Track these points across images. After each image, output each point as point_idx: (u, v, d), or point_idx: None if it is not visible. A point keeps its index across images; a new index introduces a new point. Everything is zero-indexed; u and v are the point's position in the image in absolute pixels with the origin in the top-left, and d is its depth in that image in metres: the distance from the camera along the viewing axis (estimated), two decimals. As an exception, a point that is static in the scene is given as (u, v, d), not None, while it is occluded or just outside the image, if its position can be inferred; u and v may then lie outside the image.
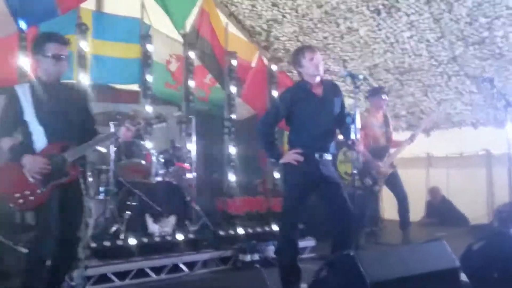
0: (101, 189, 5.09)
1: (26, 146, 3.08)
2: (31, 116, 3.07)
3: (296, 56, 3.72)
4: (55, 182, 3.06)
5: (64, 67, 3.18)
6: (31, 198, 3.01)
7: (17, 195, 3.00)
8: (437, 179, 7.56)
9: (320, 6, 6.16)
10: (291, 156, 3.59)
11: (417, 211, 7.48)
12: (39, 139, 3.08)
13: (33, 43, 3.21)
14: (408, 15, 5.70)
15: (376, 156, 5.39)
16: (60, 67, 3.15)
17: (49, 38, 3.15)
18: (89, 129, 3.29)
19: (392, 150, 5.53)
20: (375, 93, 5.63)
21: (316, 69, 3.61)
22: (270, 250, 4.73)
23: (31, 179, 3.01)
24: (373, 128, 5.48)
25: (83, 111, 3.30)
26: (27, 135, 3.10)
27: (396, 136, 5.97)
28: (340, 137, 3.91)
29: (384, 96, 5.53)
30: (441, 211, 7.30)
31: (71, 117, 3.16)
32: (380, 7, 5.76)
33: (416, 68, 6.39)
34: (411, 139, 5.44)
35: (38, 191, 3.02)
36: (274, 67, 7.21)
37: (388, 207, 7.37)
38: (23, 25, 4.95)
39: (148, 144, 5.49)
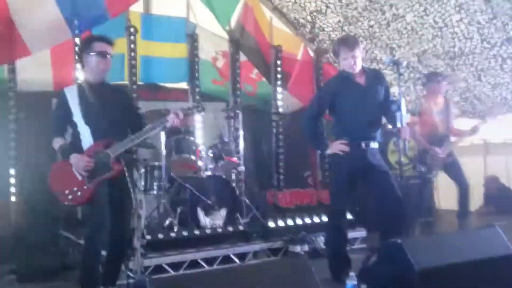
0: (154, 184, 5.29)
1: (75, 145, 3.30)
2: (79, 116, 3.27)
3: (334, 51, 3.74)
4: (100, 178, 3.25)
5: (108, 65, 3.37)
6: (79, 193, 3.23)
7: (67, 191, 3.23)
8: (496, 166, 7.27)
9: (364, -6, 6.07)
10: (337, 146, 3.60)
11: (475, 201, 7.21)
12: (86, 138, 3.28)
13: (81, 44, 3.47)
14: (456, -2, 5.51)
15: (434, 144, 5.20)
16: (105, 65, 3.35)
17: (96, 38, 3.40)
18: (137, 125, 3.44)
19: (452, 139, 5.32)
20: (429, 78, 5.44)
21: (351, 68, 3.59)
22: (320, 241, 4.75)
23: (78, 176, 3.22)
24: (431, 115, 5.27)
25: (128, 109, 3.49)
26: (76, 134, 3.32)
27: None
28: (389, 126, 3.87)
29: (440, 80, 5.32)
30: (500, 199, 7.02)
31: (116, 116, 3.34)
32: (427, -9, 5.61)
33: (468, 52, 6.15)
34: (474, 131, 5.23)
35: (85, 187, 3.23)
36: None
37: (444, 197, 7.17)
38: (76, 30, 5.21)
39: (197, 139, 5.64)
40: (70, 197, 3.22)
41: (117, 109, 3.37)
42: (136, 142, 3.36)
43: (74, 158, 3.22)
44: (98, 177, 3.24)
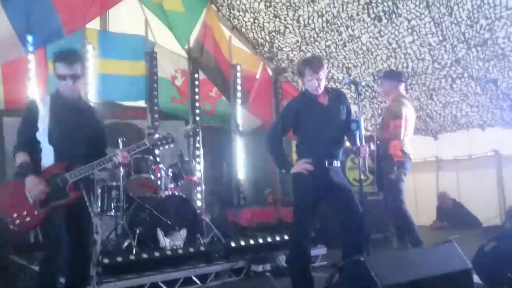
0: (112, 205, 5.15)
1: (35, 163, 3.10)
2: (43, 134, 3.10)
3: (298, 71, 3.79)
4: (53, 204, 3.07)
5: (72, 86, 3.14)
6: (28, 219, 3.03)
7: (15, 215, 3.02)
8: (447, 182, 7.52)
9: (321, 16, 6.21)
10: (301, 165, 3.63)
11: (428, 215, 7.47)
12: (47, 157, 3.11)
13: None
14: (409, 20, 5.73)
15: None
16: (68, 87, 3.14)
17: (57, 58, 3.15)
18: (98, 151, 3.29)
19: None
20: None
21: (315, 90, 3.65)
22: (282, 260, 4.74)
23: (30, 200, 3.03)
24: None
25: (96, 132, 3.32)
26: (38, 152, 3.13)
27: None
28: (347, 143, 3.94)
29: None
30: (452, 214, 7.26)
31: (81, 137, 3.18)
32: (381, 13, 5.80)
33: (420, 72, 6.41)
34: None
35: (35, 212, 3.03)
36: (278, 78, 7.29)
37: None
38: (30, 47, 5.06)
39: (156, 158, 5.55)
40: (17, 221, 3.02)
41: (84, 131, 3.21)
42: (94, 170, 3.18)
43: (29, 181, 3.02)
44: (51, 203, 3.07)
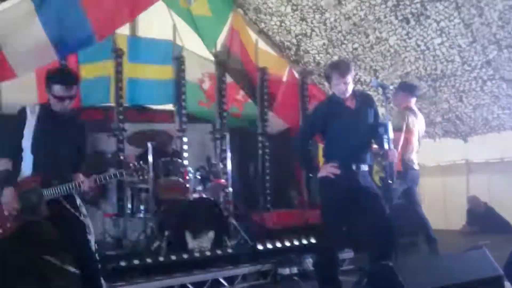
0: (141, 207, 5.25)
1: (14, 172, 3.12)
2: (28, 143, 3.13)
3: (326, 75, 3.79)
4: (26, 218, 3.12)
5: (68, 106, 3.18)
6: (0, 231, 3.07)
7: None
8: (478, 185, 7.37)
9: (348, 18, 6.19)
10: (328, 169, 3.63)
11: (458, 220, 7.34)
12: (27, 167, 3.14)
13: (45, 78, 3.21)
14: (437, 22, 5.66)
15: None
16: (63, 107, 3.16)
17: (55, 79, 3.13)
18: (75, 165, 3.30)
19: None
20: None
21: (342, 93, 3.64)
22: (309, 263, 4.74)
23: (5, 212, 3.07)
24: None
25: (76, 149, 3.32)
26: (19, 160, 3.16)
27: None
28: (375, 147, 3.92)
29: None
30: (483, 218, 7.10)
31: (63, 151, 3.19)
32: (409, 15, 5.74)
33: (449, 74, 6.31)
34: None
35: (8, 224, 3.07)
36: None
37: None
38: (62, 53, 5.20)
39: (185, 161, 5.63)
40: None
41: (67, 144, 3.22)
42: (65, 193, 3.16)
43: (6, 194, 3.05)
44: (25, 217, 3.10)
